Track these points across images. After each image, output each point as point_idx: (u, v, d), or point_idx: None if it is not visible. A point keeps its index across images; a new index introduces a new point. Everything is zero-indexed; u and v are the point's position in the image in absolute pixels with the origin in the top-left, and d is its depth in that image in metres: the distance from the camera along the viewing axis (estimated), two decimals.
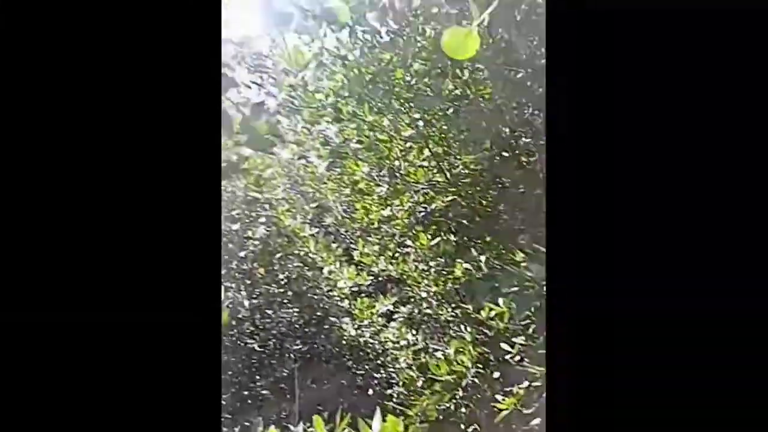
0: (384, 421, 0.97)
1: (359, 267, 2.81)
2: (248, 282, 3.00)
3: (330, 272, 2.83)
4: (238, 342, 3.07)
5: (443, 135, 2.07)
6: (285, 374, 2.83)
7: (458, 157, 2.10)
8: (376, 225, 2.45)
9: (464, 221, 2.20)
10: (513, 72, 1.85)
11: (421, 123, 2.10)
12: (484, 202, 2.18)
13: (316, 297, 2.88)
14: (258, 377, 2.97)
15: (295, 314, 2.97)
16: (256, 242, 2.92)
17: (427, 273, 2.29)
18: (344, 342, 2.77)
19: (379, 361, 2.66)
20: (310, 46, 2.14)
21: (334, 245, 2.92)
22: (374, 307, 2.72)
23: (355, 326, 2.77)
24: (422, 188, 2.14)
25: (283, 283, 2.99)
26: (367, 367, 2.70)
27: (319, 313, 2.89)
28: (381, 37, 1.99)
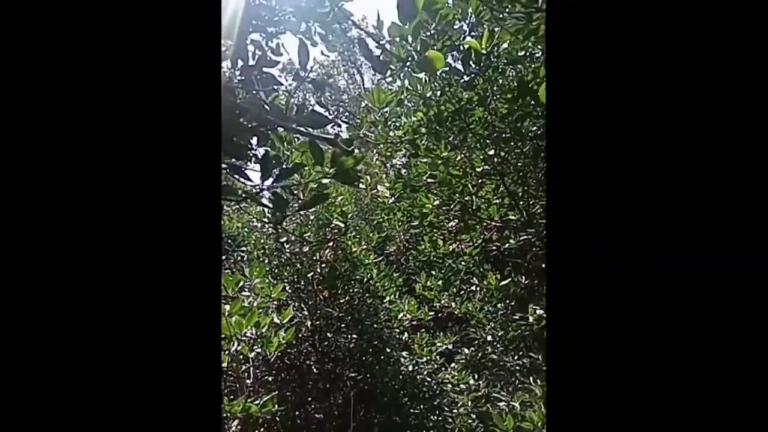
0: None
1: (420, 300, 2.76)
2: (310, 303, 3.10)
3: (390, 302, 2.82)
4: (296, 361, 3.15)
5: (521, 173, 2.02)
6: (339, 401, 2.81)
7: (536, 196, 2.02)
8: (441, 260, 2.41)
9: (540, 264, 2.07)
10: None
11: (496, 160, 2.07)
12: None
13: (376, 326, 2.87)
14: (311, 399, 2.98)
15: (353, 341, 2.97)
16: (323, 265, 3.02)
17: (494, 315, 2.18)
18: (400, 377, 2.69)
19: (435, 402, 2.54)
20: (392, 86, 2.26)
21: (395, 275, 2.91)
22: (434, 344, 2.63)
23: (413, 362, 2.69)
24: (495, 225, 2.07)
25: (344, 307, 3.04)
26: (422, 407, 2.59)
27: (376, 343, 2.87)
28: (460, 78, 2.04)
